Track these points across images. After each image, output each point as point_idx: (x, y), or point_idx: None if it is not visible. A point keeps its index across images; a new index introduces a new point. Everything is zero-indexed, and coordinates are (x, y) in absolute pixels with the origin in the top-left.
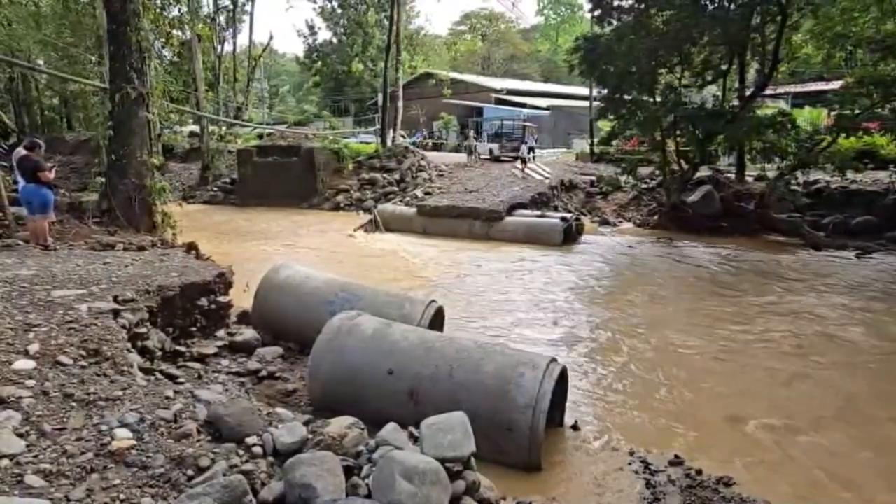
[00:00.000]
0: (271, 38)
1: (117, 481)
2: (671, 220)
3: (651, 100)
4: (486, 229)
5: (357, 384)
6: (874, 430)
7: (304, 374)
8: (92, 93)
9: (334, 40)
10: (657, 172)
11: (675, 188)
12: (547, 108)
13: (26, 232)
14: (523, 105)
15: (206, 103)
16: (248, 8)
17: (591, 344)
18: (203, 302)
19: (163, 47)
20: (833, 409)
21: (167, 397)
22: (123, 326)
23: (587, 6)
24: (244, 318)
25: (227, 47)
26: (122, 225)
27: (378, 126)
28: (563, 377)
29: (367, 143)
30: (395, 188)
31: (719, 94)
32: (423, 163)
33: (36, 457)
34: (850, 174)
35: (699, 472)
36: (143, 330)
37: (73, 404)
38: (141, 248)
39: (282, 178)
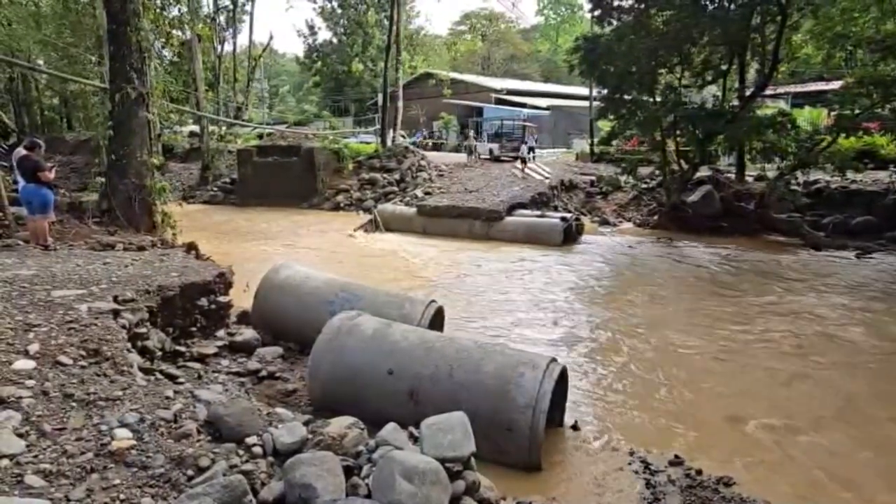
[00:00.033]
0: (271, 38)
1: (117, 481)
2: (671, 220)
3: (651, 100)
4: (486, 229)
5: (357, 384)
6: (874, 430)
7: (304, 374)
8: (92, 93)
9: (334, 40)
10: (657, 172)
11: (675, 188)
12: (547, 108)
13: (26, 232)
14: (523, 105)
15: (206, 103)
16: (248, 8)
17: (591, 344)
18: (203, 302)
19: (163, 47)
20: (833, 409)
21: (167, 397)
22: (123, 326)
23: (587, 6)
24: (244, 318)
25: (227, 47)
26: (122, 225)
27: (378, 126)
28: (563, 377)
29: (367, 143)
30: (395, 188)
31: (719, 94)
32: (423, 163)
33: (36, 457)
34: (850, 174)
35: (699, 472)
36: (143, 330)
37: (73, 404)
38: (141, 248)
39: (282, 178)
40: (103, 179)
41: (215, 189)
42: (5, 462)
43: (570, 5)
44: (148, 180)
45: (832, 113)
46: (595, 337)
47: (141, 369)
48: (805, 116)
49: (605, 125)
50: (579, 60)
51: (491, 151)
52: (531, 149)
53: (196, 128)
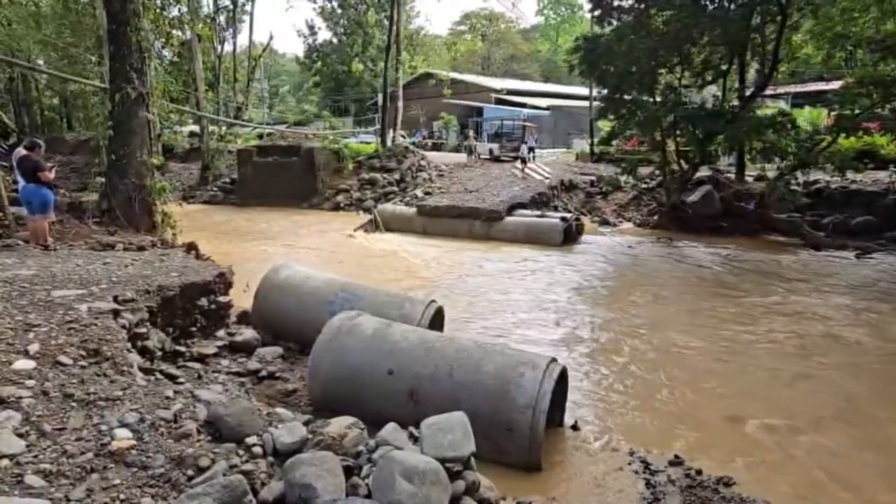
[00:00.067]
0: (271, 38)
1: (117, 481)
2: (671, 220)
3: (651, 100)
4: (486, 229)
5: (357, 384)
6: (875, 430)
7: (304, 374)
8: (92, 93)
9: (334, 40)
10: (657, 172)
11: (675, 188)
12: (547, 108)
13: (26, 232)
14: (523, 105)
15: (206, 103)
16: (248, 8)
17: (591, 344)
18: (203, 302)
19: (163, 47)
20: (834, 410)
21: (167, 397)
22: (123, 326)
23: (587, 6)
24: (244, 318)
25: (227, 47)
26: (122, 225)
27: (378, 126)
28: (563, 377)
29: (367, 143)
30: (395, 188)
31: (719, 94)
32: (423, 163)
33: (36, 457)
34: (849, 174)
35: (699, 472)
36: (143, 330)
37: (73, 404)
38: (141, 248)
39: (282, 178)
40: (103, 179)
41: (215, 189)
42: (5, 462)
43: (570, 5)
44: (148, 180)
45: (832, 113)
46: (596, 337)
47: (141, 369)
48: (805, 116)
49: (605, 125)
50: (579, 60)
51: (491, 151)
52: (531, 149)
53: (196, 128)
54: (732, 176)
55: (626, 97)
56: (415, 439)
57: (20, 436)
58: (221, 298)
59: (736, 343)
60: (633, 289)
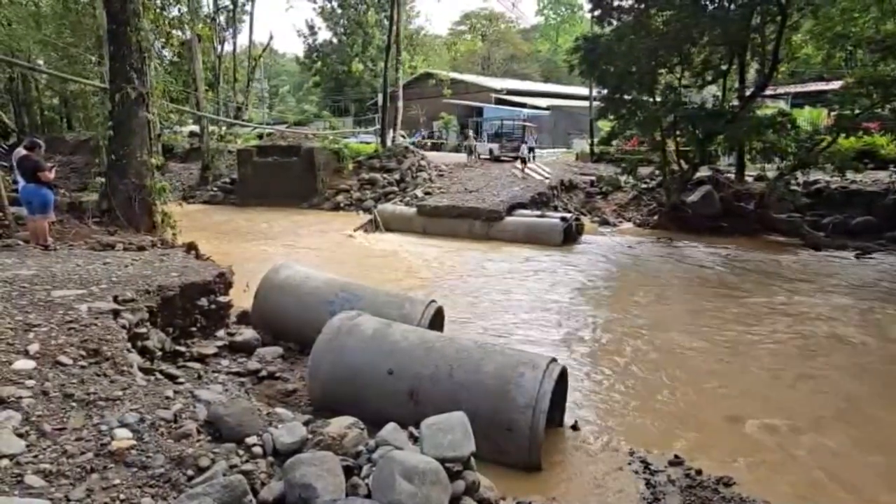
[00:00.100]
0: (271, 38)
1: (117, 481)
2: (671, 220)
3: (651, 100)
4: (486, 229)
5: (357, 384)
6: (876, 430)
7: (304, 374)
8: (92, 93)
9: (334, 40)
10: (657, 172)
11: (675, 188)
12: (547, 108)
13: (26, 232)
14: (523, 105)
15: (206, 103)
16: (248, 8)
17: (591, 344)
18: (203, 302)
19: (163, 47)
20: (835, 410)
21: (167, 397)
22: (123, 326)
23: (587, 6)
24: (244, 318)
25: (227, 47)
26: (122, 225)
27: (378, 126)
28: (562, 377)
29: (367, 143)
30: (395, 188)
31: (719, 94)
32: (423, 163)
33: (36, 457)
34: (849, 174)
35: (699, 472)
36: (143, 330)
37: (73, 404)
38: (141, 248)
39: (282, 178)
40: (103, 179)
41: (215, 189)
42: (5, 462)
43: (570, 5)
44: (148, 180)
45: (832, 113)
46: (596, 337)
47: (141, 369)
48: (805, 116)
49: (605, 125)
50: (579, 60)
51: (491, 151)
52: (531, 149)
53: (196, 128)
54: (732, 176)
55: (626, 97)
56: (415, 439)
57: (20, 436)
58: (221, 298)
59: (737, 343)
60: (634, 289)
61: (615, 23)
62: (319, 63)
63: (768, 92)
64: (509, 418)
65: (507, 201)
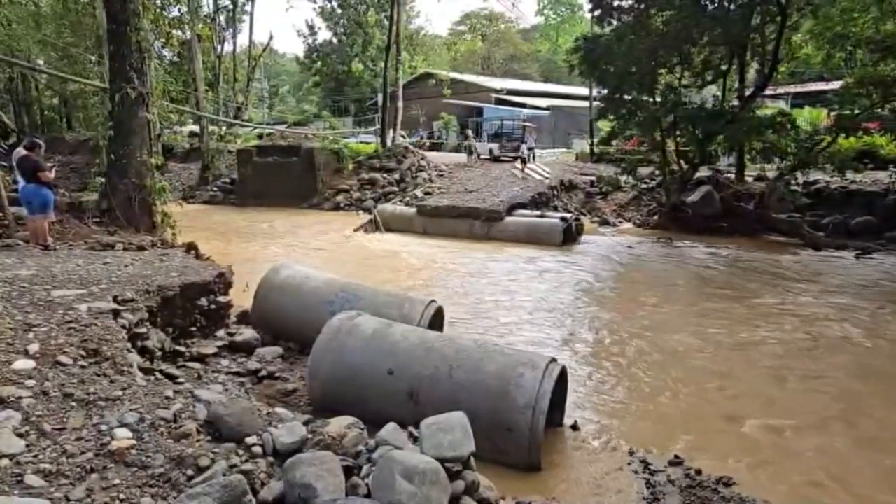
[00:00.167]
0: (271, 38)
1: (117, 481)
2: (671, 220)
3: (651, 100)
4: (486, 229)
5: (357, 384)
6: (876, 431)
7: (304, 374)
8: (92, 93)
9: (334, 40)
10: (657, 172)
11: (674, 188)
12: (547, 108)
13: (26, 232)
14: (523, 105)
15: (206, 103)
16: (248, 8)
17: (591, 344)
18: (203, 302)
19: (163, 47)
20: (836, 410)
21: (167, 397)
22: (123, 326)
23: (587, 6)
24: (244, 318)
25: (227, 47)
26: (122, 225)
27: (378, 126)
28: (562, 377)
29: (367, 143)
30: (395, 188)
31: (719, 94)
32: (423, 163)
33: (36, 457)
34: (849, 174)
35: (699, 472)
36: (143, 330)
37: (73, 404)
38: (141, 248)
39: (282, 178)
40: (103, 179)
41: (215, 189)
42: (5, 462)
43: (570, 5)
44: (148, 180)
45: (832, 113)
46: (596, 337)
47: (141, 369)
48: (805, 116)
49: (605, 125)
50: (579, 60)
51: (491, 151)
52: (531, 149)
53: (196, 128)
54: (732, 176)
55: (626, 97)
56: (414, 439)
57: (20, 436)
58: (221, 298)
59: (737, 343)
60: (636, 289)
61: (615, 23)
62: (319, 63)
63: (768, 92)
64: (509, 418)
65: (507, 201)
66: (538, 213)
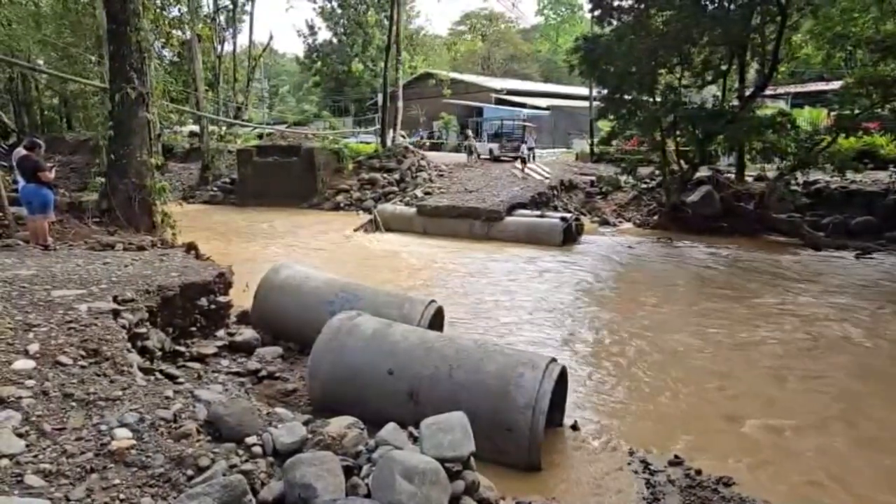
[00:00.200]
0: (271, 38)
1: (117, 481)
2: (671, 220)
3: (651, 100)
4: (486, 229)
5: (357, 384)
6: (876, 431)
7: (304, 374)
8: (92, 93)
9: (334, 40)
10: (657, 172)
11: (674, 188)
12: (547, 108)
13: (26, 232)
14: (523, 105)
15: (206, 103)
16: (248, 8)
17: (591, 344)
18: (203, 302)
19: (163, 47)
20: (836, 410)
21: (167, 397)
22: (123, 326)
23: (587, 6)
24: (244, 318)
25: (227, 47)
26: (122, 225)
27: (378, 126)
28: (562, 377)
29: (367, 143)
30: (395, 188)
31: (719, 94)
32: (422, 163)
33: (36, 457)
34: (849, 174)
35: (699, 472)
36: (143, 330)
37: (73, 404)
38: (141, 248)
39: (282, 178)
40: (103, 179)
41: (215, 189)
42: (5, 462)
43: (570, 5)
44: (148, 180)
45: (832, 113)
46: (596, 337)
47: (141, 369)
48: (805, 116)
49: (605, 125)
50: (579, 60)
51: (491, 151)
52: (531, 149)
53: (196, 128)
54: (732, 176)
55: (626, 97)
56: (414, 439)
57: (20, 436)
58: (221, 298)
59: (737, 343)
60: (636, 289)
61: (615, 23)
62: (319, 63)
63: (768, 92)
64: (509, 418)
65: (507, 201)
66: (538, 213)
